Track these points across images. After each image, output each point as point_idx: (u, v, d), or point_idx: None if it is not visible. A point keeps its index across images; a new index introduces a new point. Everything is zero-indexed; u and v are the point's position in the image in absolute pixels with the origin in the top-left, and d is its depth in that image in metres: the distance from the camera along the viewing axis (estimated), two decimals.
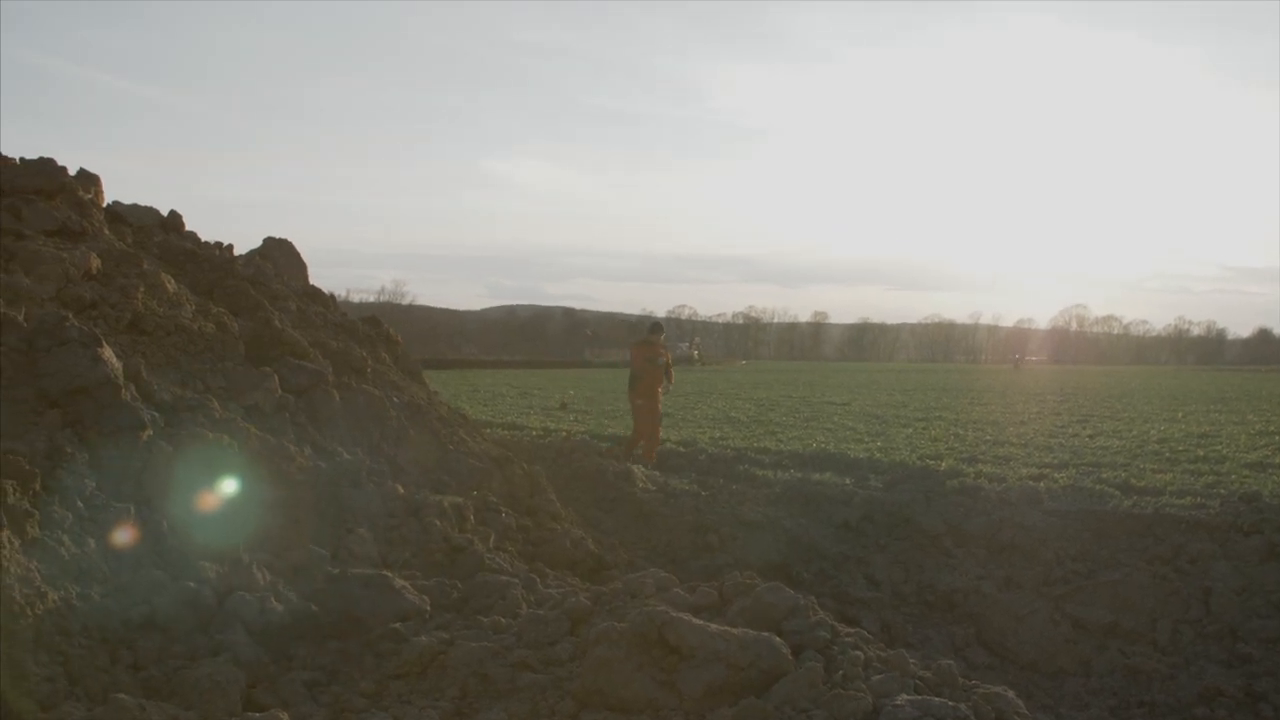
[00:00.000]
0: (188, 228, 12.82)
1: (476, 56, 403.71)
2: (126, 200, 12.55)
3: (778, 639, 5.45)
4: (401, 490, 8.74)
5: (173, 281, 10.17)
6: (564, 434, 19.94)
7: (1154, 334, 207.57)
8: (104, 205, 11.27)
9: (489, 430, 17.24)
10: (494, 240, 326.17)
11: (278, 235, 14.50)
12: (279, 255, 14.02)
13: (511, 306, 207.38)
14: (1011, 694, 5.42)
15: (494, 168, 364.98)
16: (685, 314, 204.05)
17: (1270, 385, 56.98)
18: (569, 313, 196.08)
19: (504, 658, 5.85)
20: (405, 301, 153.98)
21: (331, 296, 13.62)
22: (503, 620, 6.52)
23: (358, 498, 8.25)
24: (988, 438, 21.44)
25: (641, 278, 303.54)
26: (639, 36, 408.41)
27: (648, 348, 17.79)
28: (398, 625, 6.30)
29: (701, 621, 5.54)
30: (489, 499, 9.75)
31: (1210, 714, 8.87)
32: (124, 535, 6.29)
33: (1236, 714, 8.86)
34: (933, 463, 16.44)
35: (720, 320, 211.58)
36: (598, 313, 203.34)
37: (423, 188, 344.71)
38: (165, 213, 12.73)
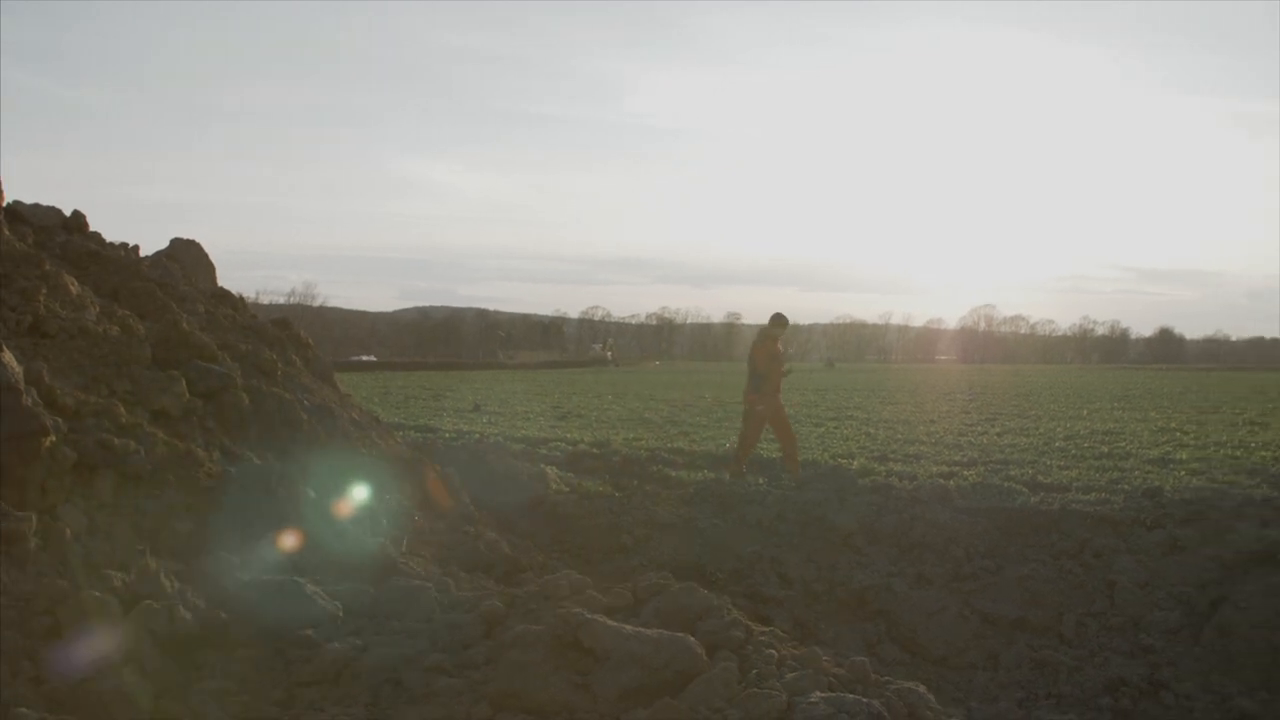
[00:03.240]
0: (92, 228, 12.55)
1: (390, 58, 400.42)
2: (27, 200, 12.28)
3: (692, 639, 5.45)
4: (312, 494, 8.64)
5: (76, 283, 9.98)
6: (476, 436, 19.84)
7: (1060, 333, 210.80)
8: (3, 205, 11.03)
9: (401, 433, 17.12)
10: (407, 242, 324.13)
11: (186, 236, 14.27)
12: (186, 256, 13.81)
13: (424, 308, 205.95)
14: (923, 689, 5.48)
15: (408, 169, 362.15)
16: (598, 315, 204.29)
17: (1171, 383, 58.08)
18: (482, 314, 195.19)
19: (418, 663, 5.79)
20: (316, 303, 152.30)
21: (241, 298, 13.44)
22: (416, 625, 6.47)
23: (268, 503, 8.14)
24: (899, 436, 21.68)
25: (555, 279, 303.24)
26: (553, 39, 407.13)
27: (772, 343, 16.17)
28: (309, 632, 6.21)
29: (616, 623, 5.54)
30: (401, 502, 9.68)
31: (1115, 704, 9.00)
32: (25, 545, 6.15)
33: (1140, 703, 9.00)
34: (845, 461, 16.59)
35: (634, 321, 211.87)
36: (511, 314, 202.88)
37: (335, 189, 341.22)
38: (68, 213, 12.46)
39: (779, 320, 16.02)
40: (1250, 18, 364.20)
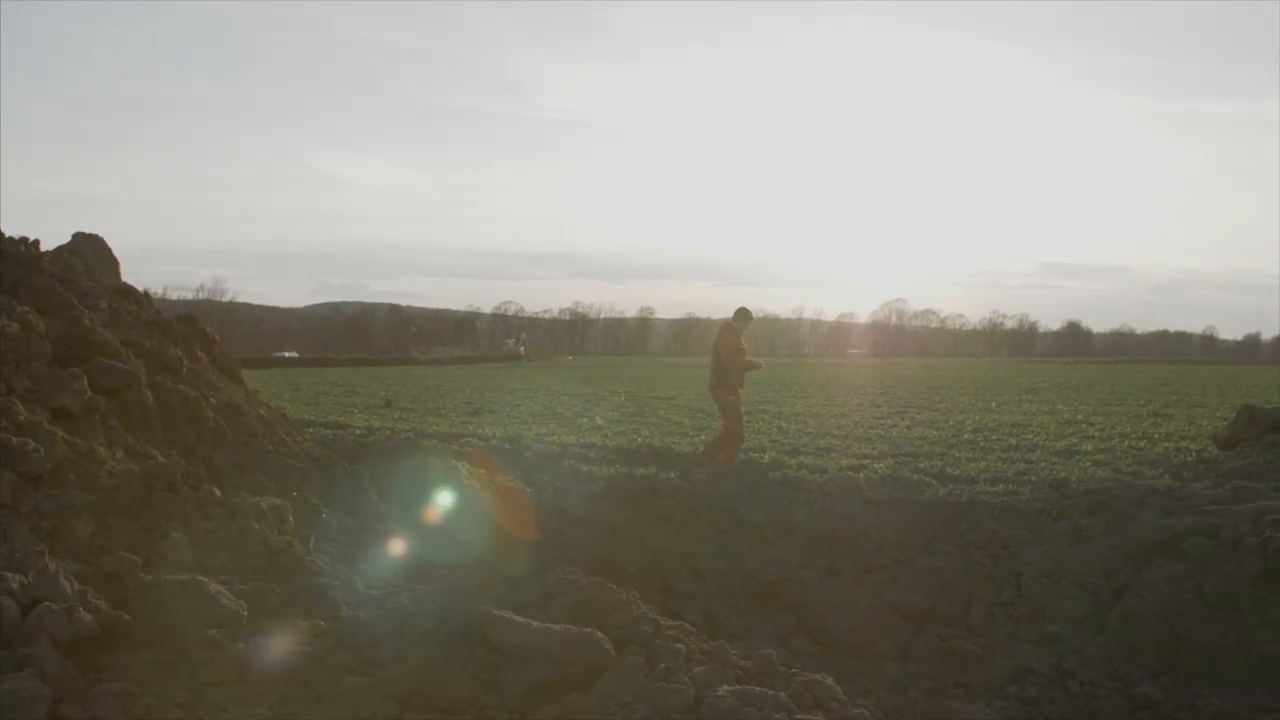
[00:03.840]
0: None
1: (303, 51, 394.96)
2: None
3: (600, 634, 5.46)
4: (218, 493, 8.52)
5: None
6: (388, 432, 19.69)
7: (970, 327, 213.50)
8: None
9: (311, 430, 16.96)
10: (320, 237, 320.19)
11: (89, 231, 14.01)
12: (89, 252, 13.57)
13: (336, 304, 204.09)
14: (830, 680, 5.52)
15: (320, 163, 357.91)
16: (512, 310, 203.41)
17: (1078, 376, 59.04)
18: (395, 309, 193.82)
19: (324, 662, 5.75)
20: (226, 299, 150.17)
21: (146, 294, 13.22)
22: (323, 623, 6.41)
23: (172, 501, 8.03)
24: (810, 430, 21.81)
25: (469, 274, 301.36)
26: (469, 33, 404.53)
27: (736, 336, 15.98)
28: (214, 632, 6.13)
29: (524, 619, 5.53)
30: (310, 500, 9.58)
31: (1022, 692, 9.11)
32: None
33: (1047, 691, 9.11)
34: (756, 455, 16.65)
35: (547, 316, 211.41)
36: (424, 309, 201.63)
37: (247, 184, 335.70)
38: None
39: (743, 314, 16.03)
40: (1163, 16, 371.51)
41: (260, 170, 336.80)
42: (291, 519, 8.81)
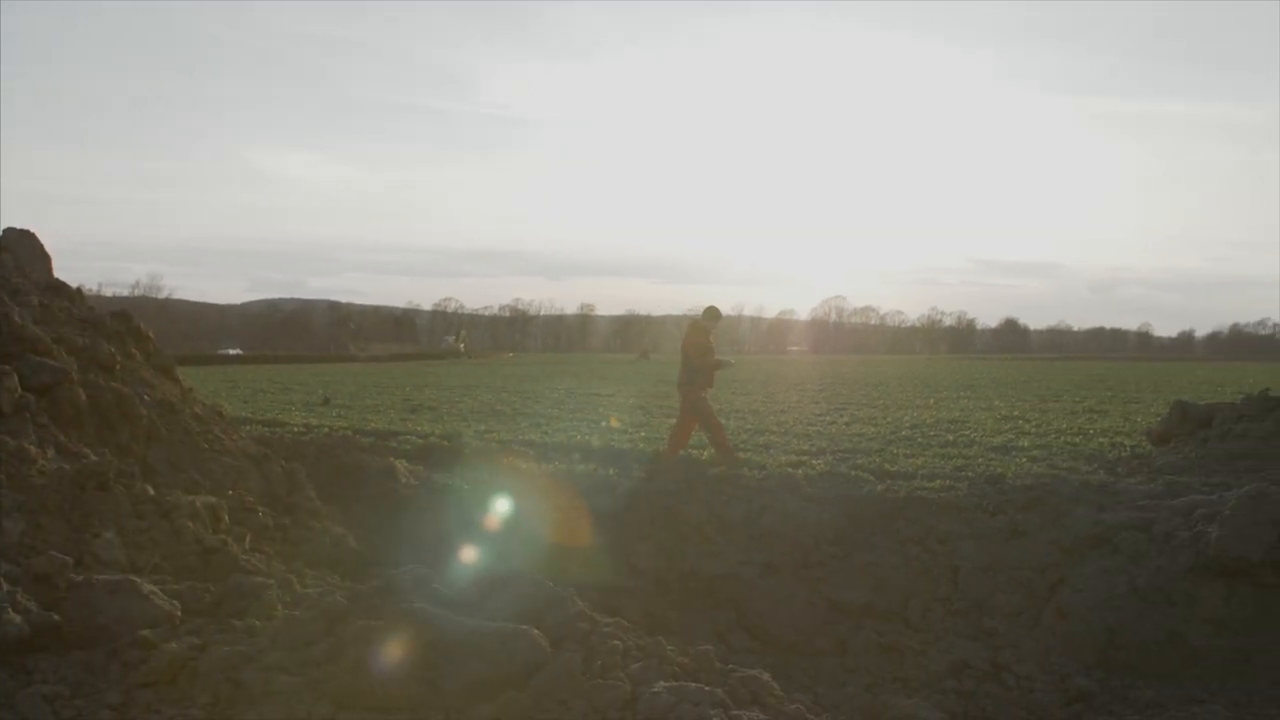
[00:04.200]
0: None
1: (241, 46, 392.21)
2: None
3: (537, 632, 5.45)
4: (151, 491, 8.43)
5: None
6: (325, 430, 19.57)
7: (909, 324, 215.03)
8: None
9: (248, 428, 16.82)
10: (258, 233, 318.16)
11: (21, 226, 13.79)
12: (20, 247, 13.36)
13: (274, 300, 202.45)
14: (766, 676, 5.54)
15: (258, 159, 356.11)
16: (451, 307, 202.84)
17: (1015, 373, 59.64)
18: (334, 306, 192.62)
19: (258, 661, 5.69)
20: (162, 295, 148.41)
21: (79, 290, 13.04)
22: (257, 623, 6.35)
23: (104, 500, 7.93)
24: (749, 426, 21.87)
25: (408, 271, 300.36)
26: (408, 29, 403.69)
27: (704, 335, 15.87)
28: (146, 633, 6.06)
29: (460, 617, 5.51)
30: (245, 498, 9.51)
31: (959, 686, 9.18)
32: None
33: (983, 685, 9.18)
34: (695, 452, 16.68)
35: (487, 313, 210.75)
36: (363, 306, 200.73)
37: (184, 180, 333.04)
38: None
39: (712, 313, 16.03)
40: (1100, 16, 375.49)
41: (197, 166, 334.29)
42: (226, 518, 8.74)
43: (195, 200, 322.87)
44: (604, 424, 22.54)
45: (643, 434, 19.72)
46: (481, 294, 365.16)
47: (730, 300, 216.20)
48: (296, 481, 10.89)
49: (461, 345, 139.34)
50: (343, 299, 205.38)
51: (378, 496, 12.79)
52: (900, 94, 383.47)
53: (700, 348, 15.55)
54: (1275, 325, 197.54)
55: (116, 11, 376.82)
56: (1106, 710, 8.73)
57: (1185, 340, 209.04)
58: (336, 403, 29.35)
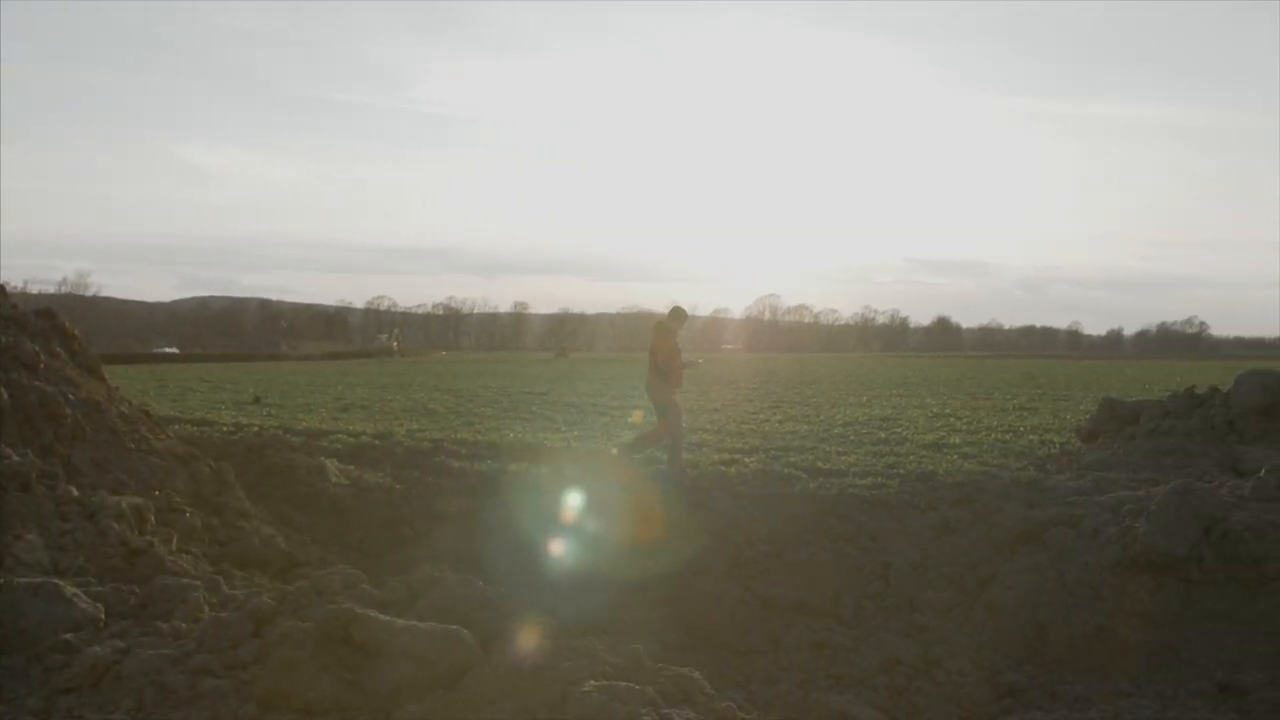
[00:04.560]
0: None
1: (172, 40, 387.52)
2: None
3: (466, 632, 5.42)
4: (76, 492, 8.32)
5: None
6: (255, 429, 19.37)
7: (842, 323, 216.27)
8: None
9: (176, 427, 16.61)
10: (188, 230, 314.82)
11: None
12: None
13: (204, 298, 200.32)
14: (697, 674, 5.53)
15: (188, 154, 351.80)
16: (384, 305, 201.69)
17: (947, 370, 60.12)
18: (265, 304, 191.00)
19: (183, 664, 5.62)
20: (90, 293, 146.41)
21: (2, 288, 12.83)
22: (183, 625, 6.28)
23: (26, 501, 7.81)
24: (682, 424, 21.88)
25: (341, 269, 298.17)
26: (342, 25, 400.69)
27: (671, 336, 15.69)
28: (69, 636, 5.97)
29: (389, 617, 5.47)
30: (172, 499, 9.41)
31: (890, 682, 9.22)
32: None
33: (914, 681, 9.23)
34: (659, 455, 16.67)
35: (420, 311, 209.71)
36: (295, 304, 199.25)
37: (112, 176, 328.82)
38: None
39: (678, 314, 15.91)
40: (1034, 18, 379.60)
41: (126, 162, 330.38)
42: (153, 518, 8.63)
43: (124, 196, 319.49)
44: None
45: (576, 433, 19.68)
46: (415, 292, 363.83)
47: (664, 299, 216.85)
48: (225, 481, 10.78)
49: (394, 344, 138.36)
50: (274, 297, 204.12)
51: (308, 496, 12.69)
52: (835, 94, 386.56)
53: (668, 350, 15.50)
54: (1202, 323, 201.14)
55: (42, 4, 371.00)
56: (1036, 705, 8.79)
57: (1114, 338, 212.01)
58: (267, 401, 29.05)
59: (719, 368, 66.62)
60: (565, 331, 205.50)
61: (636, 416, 23.35)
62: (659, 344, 15.49)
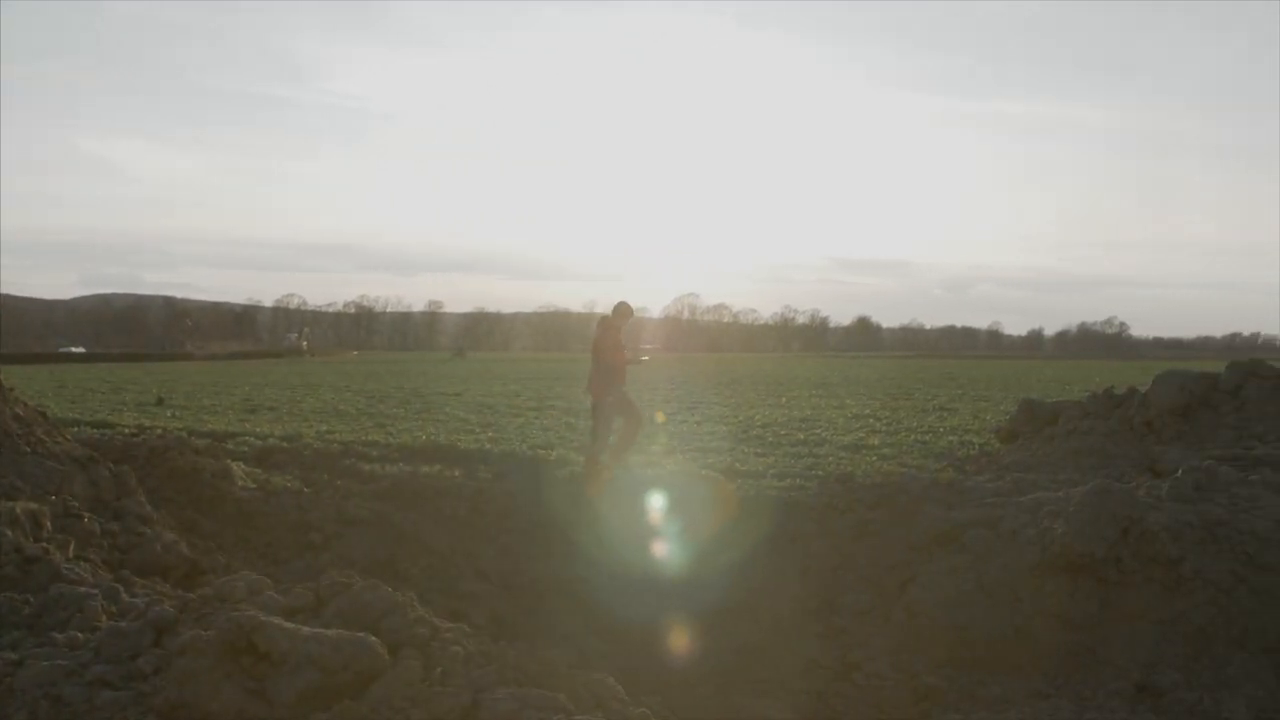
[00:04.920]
0: None
1: (74, 28, 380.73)
2: None
3: (374, 639, 5.27)
4: None
5: None
6: (159, 431, 19.00)
7: (762, 322, 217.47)
8: None
9: (75, 430, 16.25)
10: (89, 225, 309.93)
11: None
12: None
13: (106, 295, 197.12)
14: (611, 680, 5.45)
15: (91, 147, 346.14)
16: (294, 304, 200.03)
17: (868, 371, 60.66)
18: (170, 302, 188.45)
19: (80, 676, 5.42)
20: None
21: None
22: (80, 635, 6.06)
23: None
24: (613, 427, 21.81)
25: (250, 265, 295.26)
26: (251, 16, 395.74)
27: (616, 333, 15.47)
28: None
29: (294, 625, 5.31)
30: (70, 504, 9.12)
31: (810, 685, 9.21)
32: None
33: (834, 684, 9.23)
34: (543, 452, 16.57)
35: (331, 310, 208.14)
36: (201, 302, 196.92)
37: (10, 168, 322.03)
38: None
39: (622, 310, 15.73)
40: (956, 18, 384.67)
41: (24, 153, 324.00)
42: (49, 524, 8.37)
43: (23, 190, 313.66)
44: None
45: (490, 434, 19.53)
46: (326, 290, 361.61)
47: (582, 297, 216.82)
48: (126, 486, 10.49)
49: (304, 343, 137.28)
50: (180, 294, 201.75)
51: (213, 501, 12.41)
52: (756, 92, 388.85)
53: (612, 346, 15.39)
54: (1122, 324, 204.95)
55: None
56: (955, 707, 8.81)
57: (1034, 338, 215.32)
58: (171, 403, 28.61)
59: (637, 367, 66.70)
60: (480, 331, 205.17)
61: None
62: (602, 340, 15.41)
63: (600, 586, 10.97)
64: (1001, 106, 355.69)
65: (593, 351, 15.42)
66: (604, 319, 15.64)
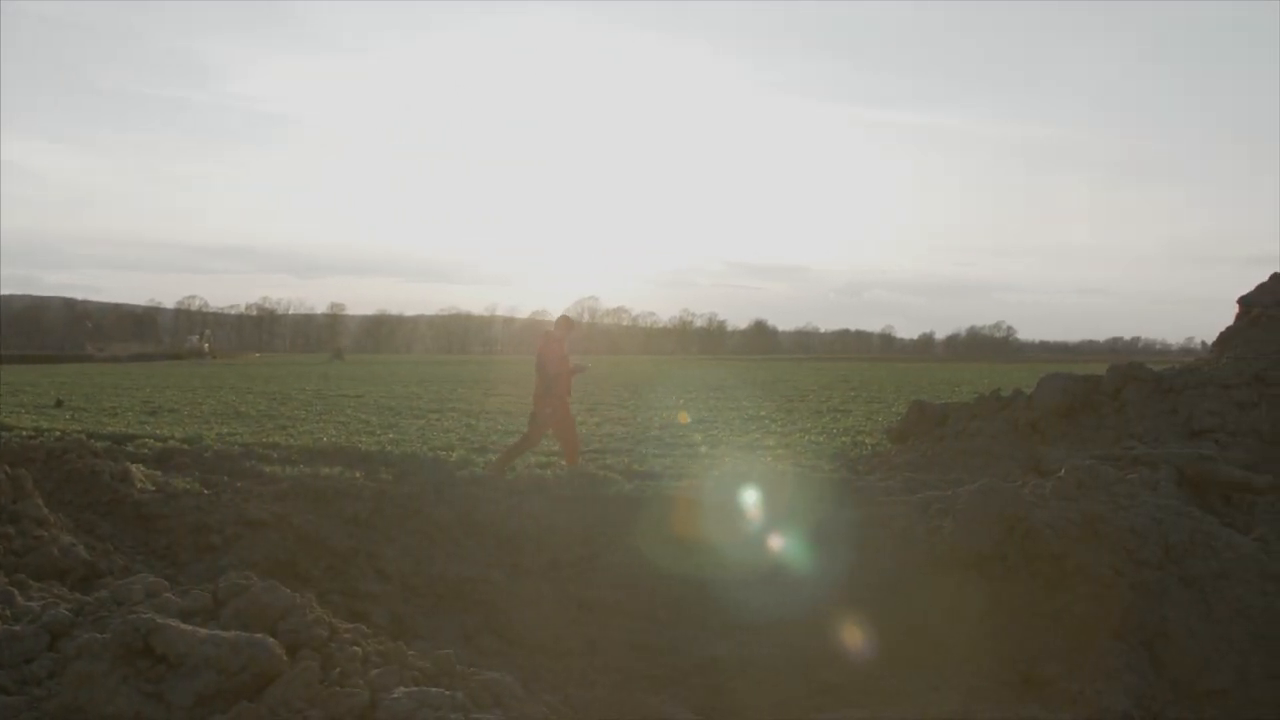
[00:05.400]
0: None
1: None
2: None
3: (272, 640, 5.30)
4: None
5: None
6: (58, 434, 18.74)
7: (661, 325, 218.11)
8: None
9: None
10: None
11: None
12: None
13: (4, 296, 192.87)
14: (509, 679, 5.52)
15: None
16: (196, 305, 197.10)
17: (764, 373, 61.15)
18: (69, 304, 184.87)
19: None
20: None
21: None
22: None
23: None
24: (499, 428, 21.87)
25: (151, 267, 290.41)
26: (155, 16, 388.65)
27: (559, 345, 16.08)
28: None
29: (191, 627, 5.33)
30: None
31: (707, 681, 9.32)
32: None
33: (731, 680, 9.36)
34: (444, 454, 16.59)
35: (233, 312, 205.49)
36: (102, 303, 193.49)
37: None
38: None
39: (564, 322, 16.17)
40: (853, 26, 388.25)
41: None
42: None
43: None
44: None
45: (391, 436, 19.49)
46: (228, 292, 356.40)
47: (482, 301, 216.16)
48: (22, 488, 10.36)
49: (206, 345, 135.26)
50: (80, 295, 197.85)
51: (112, 503, 12.29)
52: (658, 97, 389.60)
53: (556, 358, 15.57)
54: (1010, 328, 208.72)
55: None
56: (850, 700, 8.98)
57: (926, 342, 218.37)
58: (70, 405, 28.25)
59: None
60: (382, 333, 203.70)
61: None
62: (546, 352, 15.61)
63: (500, 586, 11.02)
64: (897, 116, 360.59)
65: (536, 364, 15.63)
66: (547, 332, 16.01)
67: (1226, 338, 18.30)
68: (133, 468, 13.64)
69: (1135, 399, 15.52)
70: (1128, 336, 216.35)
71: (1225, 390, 15.45)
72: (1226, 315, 17.80)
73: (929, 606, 9.77)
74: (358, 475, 14.47)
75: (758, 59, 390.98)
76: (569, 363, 15.99)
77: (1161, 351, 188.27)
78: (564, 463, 15.89)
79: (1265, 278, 18.56)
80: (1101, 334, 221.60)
